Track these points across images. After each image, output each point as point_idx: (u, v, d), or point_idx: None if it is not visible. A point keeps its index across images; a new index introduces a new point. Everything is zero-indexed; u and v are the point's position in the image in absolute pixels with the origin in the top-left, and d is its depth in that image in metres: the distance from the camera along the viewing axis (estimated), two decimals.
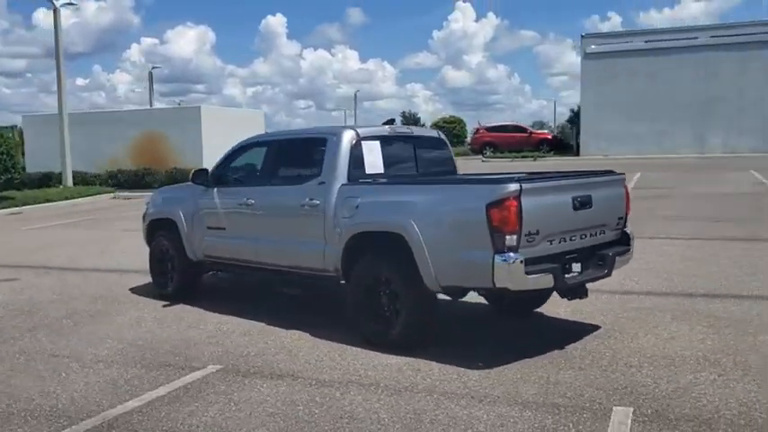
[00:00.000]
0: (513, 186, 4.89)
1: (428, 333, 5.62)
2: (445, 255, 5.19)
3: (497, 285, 4.95)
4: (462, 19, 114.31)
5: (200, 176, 7.40)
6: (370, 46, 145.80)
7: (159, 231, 8.03)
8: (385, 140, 6.46)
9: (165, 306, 7.45)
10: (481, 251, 4.94)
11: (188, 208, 7.56)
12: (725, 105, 35.97)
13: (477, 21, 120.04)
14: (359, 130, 6.31)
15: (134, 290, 8.44)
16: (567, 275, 5.27)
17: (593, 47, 39.27)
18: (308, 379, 5.00)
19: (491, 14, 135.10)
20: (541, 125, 60.78)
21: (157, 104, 52.03)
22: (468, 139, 50.12)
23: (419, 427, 4.10)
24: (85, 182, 25.98)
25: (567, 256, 5.36)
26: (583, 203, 5.40)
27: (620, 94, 37.52)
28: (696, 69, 36.35)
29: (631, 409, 4.25)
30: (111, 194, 24.44)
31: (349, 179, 6.07)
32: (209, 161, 26.62)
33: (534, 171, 6.99)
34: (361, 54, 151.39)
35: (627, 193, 6.07)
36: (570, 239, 5.37)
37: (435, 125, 51.43)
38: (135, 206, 20.95)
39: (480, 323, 6.54)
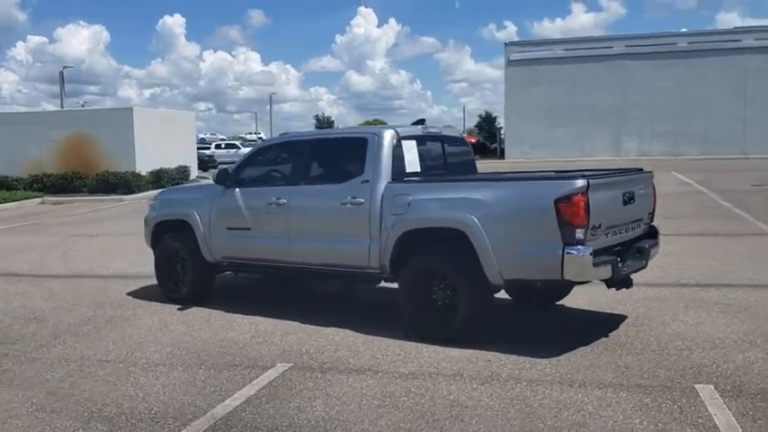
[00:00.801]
0: (581, 182, 5.17)
1: (485, 326, 5.80)
2: (509, 249, 5.39)
3: (565, 277, 5.20)
4: (365, 24, 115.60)
5: (223, 176, 7.28)
6: (272, 48, 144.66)
7: (167, 234, 7.82)
8: (419, 140, 6.62)
9: (180, 309, 7.27)
10: (550, 245, 5.18)
11: (204, 208, 7.40)
12: (639, 111, 38.27)
13: (379, 26, 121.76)
14: (398, 130, 6.44)
15: (133, 294, 8.18)
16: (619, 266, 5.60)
17: (515, 54, 40.77)
18: (387, 373, 5.06)
19: (393, 20, 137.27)
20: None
21: (50, 107, 49.60)
22: None
23: (532, 411, 4.27)
24: (6, 186, 24.42)
25: (616, 249, 5.70)
26: (629, 199, 5.77)
27: (542, 100, 39.16)
28: (612, 77, 38.47)
29: (711, 386, 4.59)
30: (39, 199, 23.16)
31: (392, 177, 6.19)
32: (143, 164, 25.77)
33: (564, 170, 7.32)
34: (263, 56, 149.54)
35: (654, 190, 6.49)
36: (619, 232, 5.70)
37: None
38: (69, 211, 20.01)
39: (507, 316, 6.74)
